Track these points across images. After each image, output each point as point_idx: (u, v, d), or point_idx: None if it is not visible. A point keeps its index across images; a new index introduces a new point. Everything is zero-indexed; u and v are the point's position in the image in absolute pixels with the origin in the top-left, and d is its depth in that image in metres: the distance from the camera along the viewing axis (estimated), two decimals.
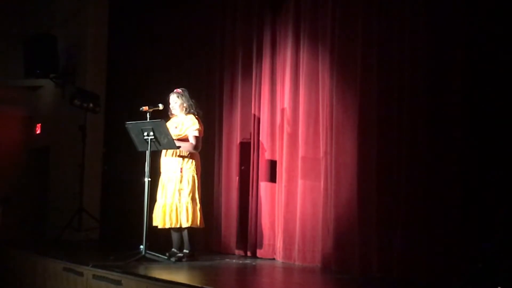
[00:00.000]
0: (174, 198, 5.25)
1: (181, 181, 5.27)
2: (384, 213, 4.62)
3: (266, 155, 5.88)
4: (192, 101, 5.45)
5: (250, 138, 6.05)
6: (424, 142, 4.41)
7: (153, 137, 5.14)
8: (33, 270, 5.74)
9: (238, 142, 6.16)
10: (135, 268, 4.71)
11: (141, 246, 5.08)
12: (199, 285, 3.88)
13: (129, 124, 5.28)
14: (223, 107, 6.42)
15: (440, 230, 4.26)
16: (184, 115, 5.43)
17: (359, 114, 4.90)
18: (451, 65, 4.31)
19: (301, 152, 5.43)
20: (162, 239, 5.50)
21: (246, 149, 6.07)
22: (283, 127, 5.66)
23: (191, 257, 5.32)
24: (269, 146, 5.85)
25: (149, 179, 5.18)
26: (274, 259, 5.63)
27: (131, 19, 8.15)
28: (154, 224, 5.30)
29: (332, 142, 5.09)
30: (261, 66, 5.99)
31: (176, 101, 5.43)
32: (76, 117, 7.95)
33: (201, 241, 6.18)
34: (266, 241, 5.76)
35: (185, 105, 5.43)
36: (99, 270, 4.70)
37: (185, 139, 5.33)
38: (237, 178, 6.13)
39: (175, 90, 5.47)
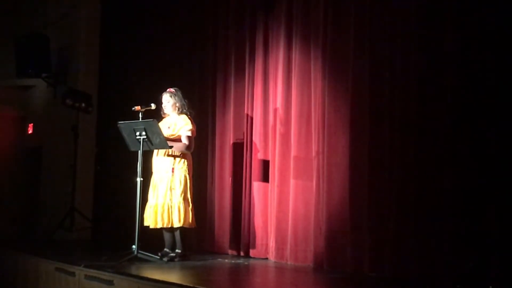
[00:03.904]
0: (166, 198, 5.25)
1: (173, 181, 5.26)
2: (376, 213, 4.64)
3: (258, 155, 5.88)
4: (185, 101, 5.45)
5: (243, 138, 6.05)
6: (416, 142, 4.44)
7: (145, 137, 5.14)
8: (25, 270, 5.72)
9: (231, 142, 6.16)
10: (127, 268, 4.70)
11: (133, 246, 5.07)
12: (192, 285, 3.88)
13: (122, 124, 5.27)
14: (216, 107, 6.42)
15: (431, 229, 4.28)
16: (176, 115, 5.43)
17: (351, 114, 4.92)
18: (443, 65, 4.34)
19: (293, 152, 5.44)
20: (155, 239, 5.49)
21: (239, 149, 6.08)
22: (276, 127, 5.67)
23: (183, 257, 5.32)
24: (262, 146, 5.86)
25: (142, 179, 5.17)
26: (267, 258, 5.64)
27: (123, 19, 8.13)
28: (146, 224, 5.29)
29: (324, 142, 5.10)
30: (253, 67, 6.00)
31: (168, 100, 5.42)
32: (68, 117, 7.92)
33: (194, 241, 6.18)
34: (258, 240, 5.77)
35: (177, 104, 5.42)
36: (91, 270, 4.69)
37: (178, 139, 5.33)
38: (230, 178, 6.13)
39: (168, 90, 5.47)
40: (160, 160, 5.34)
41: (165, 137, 5.17)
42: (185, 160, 5.34)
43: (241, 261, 5.58)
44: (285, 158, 5.52)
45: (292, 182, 5.44)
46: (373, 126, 4.75)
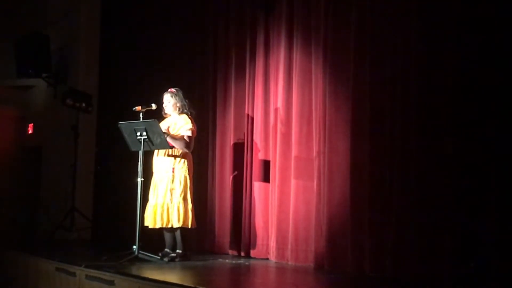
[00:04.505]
0: (165, 198, 5.25)
1: (173, 181, 5.26)
2: (377, 213, 4.64)
3: (259, 155, 5.88)
4: (185, 101, 5.45)
5: (244, 138, 6.05)
6: (416, 142, 4.44)
7: (146, 137, 5.14)
8: (25, 270, 5.71)
9: (232, 142, 6.17)
10: (128, 268, 4.70)
11: (134, 246, 5.08)
12: (192, 285, 3.88)
13: (122, 124, 5.27)
14: (216, 107, 6.42)
15: (432, 230, 4.28)
16: (177, 115, 5.43)
17: (352, 114, 4.92)
18: (444, 65, 4.34)
19: (294, 152, 5.44)
20: (155, 239, 5.49)
21: (239, 149, 6.08)
22: (277, 127, 5.67)
23: (184, 257, 5.32)
24: (263, 146, 5.86)
25: (142, 179, 5.17)
26: (267, 259, 5.64)
27: (124, 19, 8.13)
28: (146, 224, 5.29)
29: (325, 142, 5.10)
30: (254, 67, 6.00)
31: (169, 100, 5.42)
32: (68, 117, 7.92)
33: (195, 241, 6.18)
34: (259, 241, 5.77)
35: (178, 104, 5.42)
36: (92, 270, 4.69)
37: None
38: (231, 178, 6.13)
39: (169, 90, 5.47)
40: (160, 160, 5.34)
41: (165, 131, 5.16)
42: (185, 160, 5.34)
43: (241, 261, 5.58)
44: (286, 158, 5.52)
45: (293, 182, 5.44)
46: (374, 126, 4.75)
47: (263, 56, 5.92)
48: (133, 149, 5.31)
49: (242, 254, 5.88)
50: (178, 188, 5.26)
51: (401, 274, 4.41)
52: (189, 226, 5.31)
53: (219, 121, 6.36)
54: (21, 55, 8.59)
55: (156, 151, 5.35)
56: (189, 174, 5.35)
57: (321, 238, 5.05)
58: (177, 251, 5.33)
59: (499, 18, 4.04)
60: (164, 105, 5.45)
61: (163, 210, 5.24)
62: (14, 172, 9.85)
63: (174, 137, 5.26)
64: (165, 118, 5.50)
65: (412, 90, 4.50)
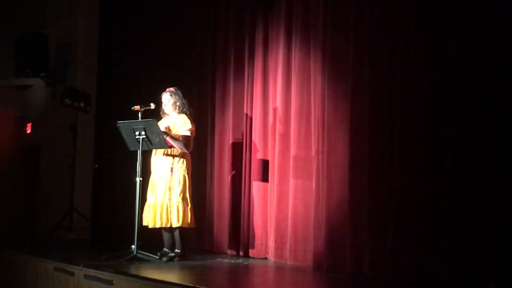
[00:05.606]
0: (164, 197, 5.24)
1: (171, 181, 5.26)
2: (376, 213, 4.64)
3: (258, 155, 5.88)
4: (184, 100, 5.45)
5: (242, 138, 6.05)
6: (416, 142, 4.44)
7: (144, 136, 5.13)
8: (24, 270, 5.70)
9: (231, 141, 6.16)
10: (126, 268, 4.70)
11: (133, 246, 5.07)
12: (191, 285, 3.88)
13: (121, 123, 5.26)
14: (215, 107, 6.41)
15: (432, 229, 4.28)
16: (176, 114, 5.42)
17: (351, 114, 4.92)
18: (443, 63, 4.33)
19: (293, 151, 5.44)
20: (154, 239, 5.48)
21: (238, 149, 6.07)
22: (275, 126, 5.67)
23: (182, 256, 5.31)
24: (261, 145, 5.85)
25: (141, 179, 5.17)
26: (266, 258, 5.63)
27: (122, 18, 8.12)
28: (144, 223, 5.28)
29: (324, 142, 5.10)
30: (253, 66, 5.99)
31: (169, 99, 5.41)
32: (67, 117, 7.92)
33: (193, 241, 6.18)
34: (258, 240, 5.76)
35: (178, 103, 5.41)
36: (91, 270, 4.68)
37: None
38: (229, 177, 6.13)
39: (167, 89, 5.46)
40: (158, 160, 5.33)
41: (164, 131, 5.15)
42: (184, 160, 5.33)
43: (240, 261, 5.57)
44: (285, 158, 5.52)
45: (291, 181, 5.43)
46: (373, 126, 4.75)
47: (262, 56, 5.91)
48: (132, 148, 5.30)
49: (241, 253, 5.88)
50: (177, 188, 5.26)
51: (401, 274, 4.41)
52: (189, 226, 5.31)
53: (217, 120, 6.36)
54: (19, 55, 8.57)
55: (154, 150, 5.34)
56: (188, 173, 5.34)
57: (320, 238, 5.05)
58: (176, 250, 5.33)
59: (501, 15, 4.04)
60: (163, 105, 5.44)
61: (162, 210, 5.23)
62: (12, 171, 9.84)
63: (174, 137, 5.25)
64: (163, 118, 5.49)
65: (411, 90, 4.50)
